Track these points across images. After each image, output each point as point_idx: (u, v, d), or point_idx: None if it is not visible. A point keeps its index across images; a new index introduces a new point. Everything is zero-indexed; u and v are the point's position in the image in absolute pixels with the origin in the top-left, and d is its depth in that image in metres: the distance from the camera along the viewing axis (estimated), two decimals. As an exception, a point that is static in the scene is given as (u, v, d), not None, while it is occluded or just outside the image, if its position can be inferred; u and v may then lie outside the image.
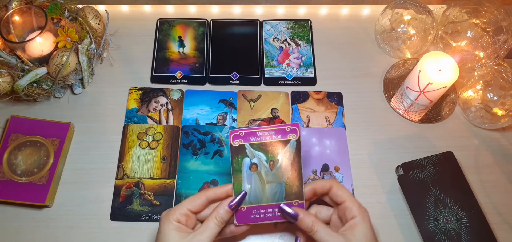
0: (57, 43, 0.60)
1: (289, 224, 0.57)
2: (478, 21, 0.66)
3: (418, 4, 0.69)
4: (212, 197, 0.48)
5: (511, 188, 0.61)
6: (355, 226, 0.44)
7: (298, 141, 0.47)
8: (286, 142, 0.47)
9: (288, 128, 0.47)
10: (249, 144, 0.47)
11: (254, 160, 0.47)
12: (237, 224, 0.48)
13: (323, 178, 0.61)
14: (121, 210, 0.58)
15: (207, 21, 0.75)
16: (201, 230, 0.44)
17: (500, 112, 0.62)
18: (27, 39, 0.59)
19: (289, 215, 0.46)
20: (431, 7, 0.72)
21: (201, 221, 0.48)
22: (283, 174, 0.48)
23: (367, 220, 0.45)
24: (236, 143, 0.47)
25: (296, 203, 0.48)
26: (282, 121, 0.65)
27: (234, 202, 0.46)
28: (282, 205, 0.47)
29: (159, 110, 0.66)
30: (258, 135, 0.47)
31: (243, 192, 0.47)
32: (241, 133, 0.47)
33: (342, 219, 0.47)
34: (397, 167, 0.61)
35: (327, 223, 0.49)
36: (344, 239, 0.44)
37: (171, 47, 0.72)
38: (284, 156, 0.48)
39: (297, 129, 0.47)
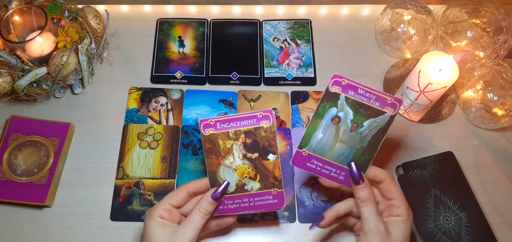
0: (57, 43, 0.60)
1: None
2: (478, 21, 0.66)
3: (418, 4, 0.69)
4: (193, 190, 0.48)
5: (511, 188, 0.61)
6: (398, 223, 0.45)
7: (392, 118, 0.46)
8: (379, 113, 0.46)
9: (390, 100, 0.46)
10: (345, 95, 0.46)
11: (341, 114, 0.46)
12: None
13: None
14: (121, 210, 0.58)
15: (207, 21, 0.75)
16: (186, 224, 0.45)
17: (500, 112, 0.62)
18: (27, 39, 0.59)
19: (355, 175, 0.46)
20: (431, 7, 0.72)
21: (186, 216, 0.49)
22: (359, 142, 0.46)
23: (410, 223, 0.46)
24: (334, 89, 0.45)
25: None
26: (283, 122, 0.65)
27: (217, 192, 0.46)
28: (352, 163, 0.47)
29: (159, 110, 0.66)
30: (359, 92, 0.46)
31: (226, 182, 0.47)
32: (343, 82, 0.45)
33: (385, 212, 0.47)
34: (397, 167, 0.61)
35: (349, 213, 0.50)
36: (386, 227, 0.44)
37: (171, 47, 0.72)
38: (371, 124, 0.46)
39: (397, 105, 0.45)
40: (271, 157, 0.48)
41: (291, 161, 0.49)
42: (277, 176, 0.48)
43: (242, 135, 0.47)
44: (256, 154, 0.47)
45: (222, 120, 0.46)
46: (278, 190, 0.48)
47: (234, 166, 0.47)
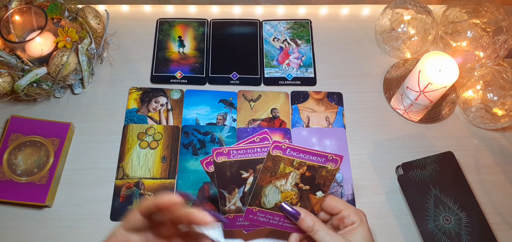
0: (57, 43, 0.60)
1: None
2: (478, 21, 0.66)
3: (418, 4, 0.69)
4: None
5: (511, 188, 0.61)
6: (355, 229, 0.45)
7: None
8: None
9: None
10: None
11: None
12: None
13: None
14: (121, 210, 0.58)
15: (207, 21, 0.75)
16: None
17: (500, 112, 0.62)
18: (27, 39, 0.59)
19: (290, 214, 0.47)
20: (431, 7, 0.72)
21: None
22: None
23: (365, 222, 0.46)
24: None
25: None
26: (283, 122, 0.65)
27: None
28: (283, 204, 0.47)
29: (159, 110, 0.66)
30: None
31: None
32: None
33: (340, 226, 0.47)
34: (397, 167, 0.61)
35: None
36: (344, 239, 0.44)
37: (171, 47, 0.72)
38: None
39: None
40: (319, 193, 0.48)
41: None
42: (315, 211, 0.48)
43: (305, 167, 0.47)
44: (307, 187, 0.47)
45: (294, 148, 0.46)
46: None
47: (282, 189, 0.47)
